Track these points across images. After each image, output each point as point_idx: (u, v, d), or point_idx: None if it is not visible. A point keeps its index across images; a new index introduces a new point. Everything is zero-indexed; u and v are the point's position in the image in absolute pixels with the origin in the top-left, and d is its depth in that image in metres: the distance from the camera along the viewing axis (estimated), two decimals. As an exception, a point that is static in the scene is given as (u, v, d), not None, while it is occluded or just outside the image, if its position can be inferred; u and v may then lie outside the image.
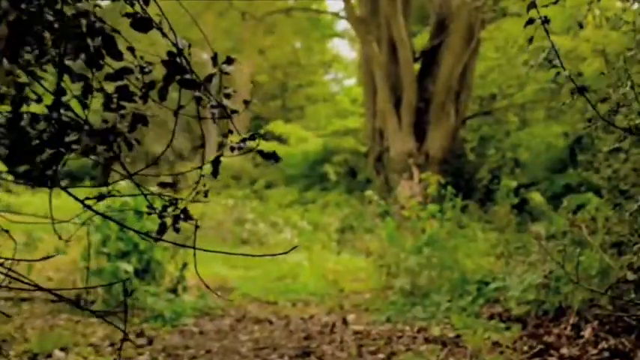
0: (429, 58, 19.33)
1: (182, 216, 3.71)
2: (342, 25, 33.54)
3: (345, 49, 42.32)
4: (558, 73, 10.74)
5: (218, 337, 6.77)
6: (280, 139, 26.44)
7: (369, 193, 9.44)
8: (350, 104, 25.60)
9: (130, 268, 7.57)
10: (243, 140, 3.56)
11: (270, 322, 7.66)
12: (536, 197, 18.42)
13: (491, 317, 7.79)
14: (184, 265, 8.90)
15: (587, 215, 8.58)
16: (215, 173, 3.56)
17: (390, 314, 7.86)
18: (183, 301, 7.95)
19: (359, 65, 24.64)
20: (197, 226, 3.79)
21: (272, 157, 3.52)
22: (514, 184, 18.09)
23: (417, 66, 19.57)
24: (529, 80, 20.17)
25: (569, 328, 6.70)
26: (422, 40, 20.84)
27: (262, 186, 16.43)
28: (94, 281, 7.83)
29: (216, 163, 3.58)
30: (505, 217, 17.08)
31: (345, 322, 7.55)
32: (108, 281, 7.58)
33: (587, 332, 6.49)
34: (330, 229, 14.06)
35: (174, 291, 8.50)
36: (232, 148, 3.58)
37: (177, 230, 3.75)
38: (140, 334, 6.69)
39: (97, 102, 2.97)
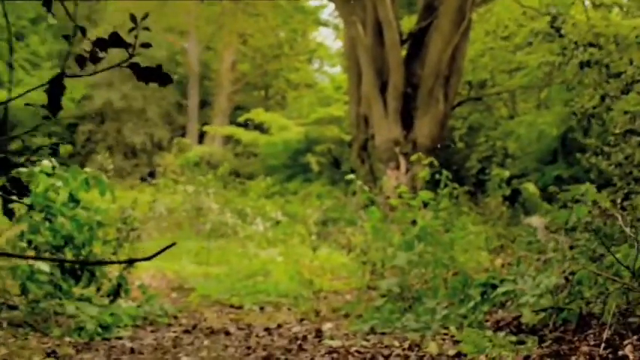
0: (417, 40, 17.67)
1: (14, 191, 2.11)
2: (326, 14, 31.91)
3: (329, 39, 40.68)
4: (565, 48, 8.80)
5: (153, 358, 5.10)
6: (262, 129, 24.78)
7: (350, 176, 7.78)
8: (334, 91, 23.92)
9: (46, 267, 5.88)
10: (100, 44, 1.96)
11: (227, 334, 6.01)
12: (529, 188, 16.85)
13: (498, 328, 6.17)
14: (130, 262, 7.23)
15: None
16: (54, 107, 2.11)
17: (374, 323, 6.22)
18: (120, 307, 6.27)
19: (343, 51, 22.97)
20: (30, 207, 2.24)
21: (154, 73, 1.94)
22: (506, 173, 16.55)
23: (405, 50, 17.93)
24: (522, 63, 18.63)
25: (602, 344, 5.10)
26: (409, 23, 19.19)
27: (227, 171, 14.81)
28: (9, 283, 6.17)
29: (56, 85, 2.12)
30: (497, 208, 15.55)
31: (319, 334, 5.90)
32: (23, 282, 5.91)
33: (628, 351, 4.91)
34: (309, 221, 12.44)
35: (115, 294, 6.83)
36: (81, 60, 2.01)
37: (10, 214, 2.13)
38: (52, 354, 5.02)
39: None
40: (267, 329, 6.21)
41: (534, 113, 19.68)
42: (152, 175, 28.36)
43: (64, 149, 28.10)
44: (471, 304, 6.18)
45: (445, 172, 7.65)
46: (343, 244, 9.46)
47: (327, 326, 6.45)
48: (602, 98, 9.20)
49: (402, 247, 7.26)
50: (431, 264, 7.14)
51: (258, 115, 23.30)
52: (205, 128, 26.58)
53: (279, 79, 29.60)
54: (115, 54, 2.18)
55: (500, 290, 5.89)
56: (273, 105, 29.23)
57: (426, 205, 7.84)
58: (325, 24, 31.69)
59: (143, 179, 26.84)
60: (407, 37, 17.86)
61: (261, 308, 7.58)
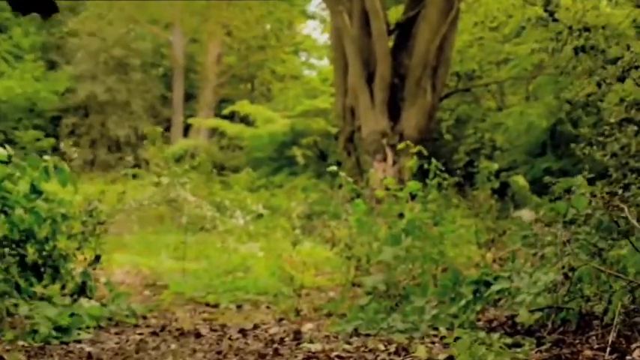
0: (405, 31, 17.13)
1: None
2: (314, 5, 31.36)
3: (317, 32, 40.12)
4: (560, 33, 8.28)
5: (111, 365, 4.55)
6: (248, 122, 24.20)
7: (332, 168, 7.24)
8: (320, 83, 23.33)
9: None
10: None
11: (198, 336, 5.46)
12: (519, 181, 16.34)
13: (491, 328, 5.65)
14: (96, 257, 6.67)
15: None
16: None
17: (358, 324, 5.69)
18: (82, 307, 5.70)
19: (330, 42, 22.39)
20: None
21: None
22: (495, 166, 16.03)
23: (392, 40, 17.38)
24: (511, 54, 18.14)
25: (608, 348, 4.59)
26: (396, 13, 18.63)
27: (204, 161, 14.18)
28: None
29: None
30: (486, 201, 15.03)
31: (297, 337, 5.36)
32: (-29, 282, 5.34)
33: (637, 355, 4.40)
34: (292, 214, 11.86)
35: (80, 293, 6.27)
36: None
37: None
38: (-2, 361, 4.46)
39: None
40: (242, 331, 5.66)
41: (523, 105, 19.20)
42: (137, 168, 27.70)
43: (47, 142, 27.44)
44: (462, 302, 5.66)
45: (434, 162, 7.13)
46: (327, 238, 8.92)
47: (307, 327, 5.92)
48: (599, 85, 8.69)
49: (389, 241, 6.74)
50: (419, 259, 6.63)
51: (243, 107, 22.70)
52: (190, 120, 25.95)
53: (265, 69, 28.94)
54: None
55: (494, 288, 5.37)
56: (259, 97, 28.61)
57: (413, 197, 7.32)
58: (312, 16, 31.16)
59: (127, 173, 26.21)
60: (394, 28, 17.34)
61: (239, 307, 7.05)
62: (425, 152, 7.39)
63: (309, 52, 31.37)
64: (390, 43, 17.13)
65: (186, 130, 28.41)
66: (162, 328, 5.68)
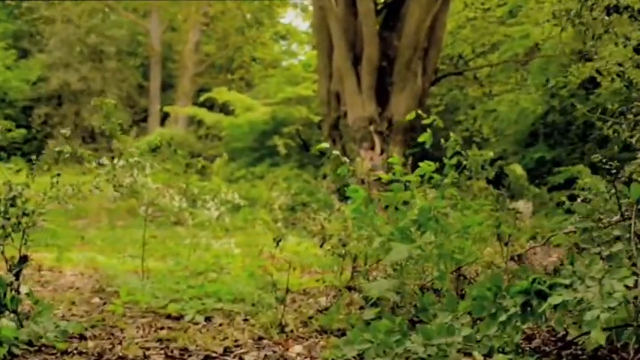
0: (393, 10, 15.60)
1: None
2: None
3: (298, 22, 38.43)
4: None
5: None
6: (227, 112, 22.50)
7: (323, 145, 5.61)
8: (302, 69, 21.68)
9: None
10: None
11: (146, 369, 3.83)
12: (517, 170, 14.86)
13: (540, 352, 4.10)
14: (22, 259, 5.00)
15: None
16: None
17: (364, 347, 4.09)
18: (-12, 328, 4.03)
19: (313, 22, 20.74)
20: None
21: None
22: (490, 154, 14.58)
23: (380, 21, 15.81)
24: (506, 35, 16.66)
25: None
26: (384, -8, 17.04)
27: (166, 139, 12.54)
28: None
29: None
30: (481, 192, 13.50)
31: (282, 369, 3.75)
32: None
33: None
34: (274, 205, 10.29)
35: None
36: None
37: None
38: None
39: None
40: (206, 359, 4.03)
41: (516, 92, 17.74)
42: (113, 159, 25.89)
43: (18, 133, 25.58)
44: (503, 317, 4.06)
45: (453, 135, 5.57)
46: (315, 232, 7.29)
47: (295, 350, 4.33)
48: (636, 50, 7.17)
49: (396, 236, 5.14)
50: (435, 258, 5.05)
51: (220, 94, 20.97)
52: (166, 109, 24.18)
53: (244, 52, 27.14)
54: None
55: (553, 300, 3.77)
56: (238, 82, 26.86)
57: (423, 181, 5.73)
58: (294, 5, 29.57)
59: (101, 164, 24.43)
60: (382, 6, 15.81)
61: (208, 319, 5.40)
62: (440, 124, 5.82)
63: (290, 40, 29.69)
64: (378, 24, 15.59)
65: (164, 120, 26.64)
66: (100, 356, 4.04)
